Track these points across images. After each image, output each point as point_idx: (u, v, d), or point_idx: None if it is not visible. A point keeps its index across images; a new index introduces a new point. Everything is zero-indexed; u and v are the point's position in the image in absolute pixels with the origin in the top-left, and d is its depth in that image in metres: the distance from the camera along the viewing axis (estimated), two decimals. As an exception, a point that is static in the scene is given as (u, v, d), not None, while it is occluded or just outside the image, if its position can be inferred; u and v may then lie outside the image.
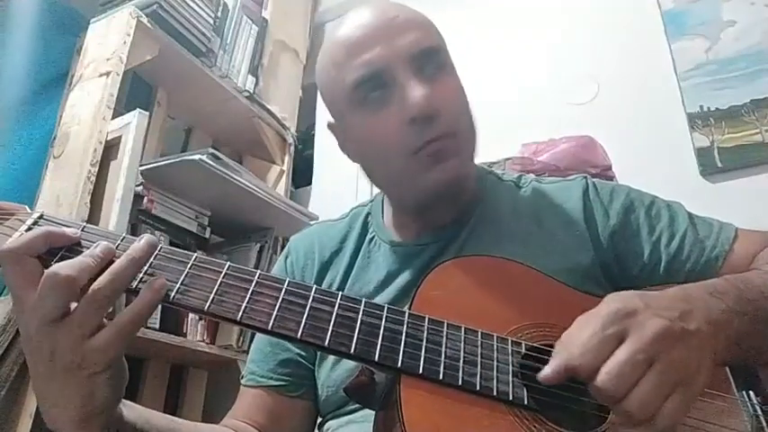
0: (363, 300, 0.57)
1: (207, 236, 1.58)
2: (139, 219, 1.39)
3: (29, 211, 0.60)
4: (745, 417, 0.57)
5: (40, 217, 0.59)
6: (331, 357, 0.76)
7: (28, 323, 0.50)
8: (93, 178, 1.30)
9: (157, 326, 1.39)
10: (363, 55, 0.71)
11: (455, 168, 0.72)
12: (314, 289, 0.56)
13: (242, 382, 0.83)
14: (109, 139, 1.37)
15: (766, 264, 0.69)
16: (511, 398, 0.54)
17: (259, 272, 0.56)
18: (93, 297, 0.50)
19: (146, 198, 1.41)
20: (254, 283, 0.55)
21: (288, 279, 0.56)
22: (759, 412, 0.58)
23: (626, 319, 0.50)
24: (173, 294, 0.54)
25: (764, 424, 0.57)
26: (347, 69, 0.72)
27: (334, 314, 0.55)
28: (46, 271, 0.50)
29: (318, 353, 0.79)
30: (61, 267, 0.50)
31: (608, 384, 0.47)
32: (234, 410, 0.80)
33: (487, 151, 1.02)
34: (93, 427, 0.52)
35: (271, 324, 0.53)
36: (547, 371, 0.51)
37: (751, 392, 0.59)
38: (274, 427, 0.77)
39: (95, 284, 0.50)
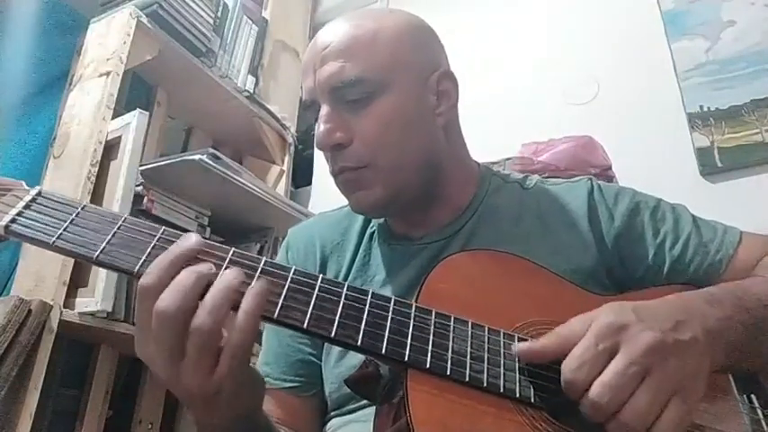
0: (370, 291, 0.56)
1: (207, 236, 1.58)
2: (139, 219, 1.39)
3: (26, 187, 0.59)
4: (746, 420, 0.57)
5: (39, 194, 0.58)
6: (334, 354, 0.76)
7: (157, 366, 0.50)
8: (93, 178, 1.30)
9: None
10: (304, 81, 0.77)
11: (364, 200, 0.74)
12: (320, 279, 0.55)
13: None
14: (109, 139, 1.36)
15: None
16: (517, 395, 0.54)
17: (264, 258, 0.55)
18: (198, 338, 0.48)
19: (146, 198, 1.41)
20: (258, 271, 0.54)
21: (294, 267, 0.55)
22: (760, 416, 0.58)
23: (618, 334, 0.50)
24: None
25: (765, 427, 0.57)
26: (302, 89, 0.78)
27: (341, 305, 0.54)
28: (155, 310, 0.48)
29: (324, 349, 0.79)
30: (167, 303, 0.48)
31: (602, 397, 0.48)
32: None
33: (487, 151, 1.02)
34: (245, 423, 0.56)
35: (276, 313, 0.52)
36: (523, 346, 0.54)
37: (752, 396, 0.59)
38: (296, 424, 0.78)
39: (194, 323, 0.48)
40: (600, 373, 0.49)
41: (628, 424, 0.47)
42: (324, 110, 0.73)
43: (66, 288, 1.20)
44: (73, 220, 0.56)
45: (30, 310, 1.12)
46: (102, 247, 0.54)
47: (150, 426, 1.48)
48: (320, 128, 0.72)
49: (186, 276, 0.49)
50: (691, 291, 0.61)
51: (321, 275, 0.56)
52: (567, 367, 0.51)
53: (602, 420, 0.49)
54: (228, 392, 0.50)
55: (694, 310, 0.55)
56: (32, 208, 0.57)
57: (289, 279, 0.54)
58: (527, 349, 0.55)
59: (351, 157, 0.72)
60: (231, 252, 0.55)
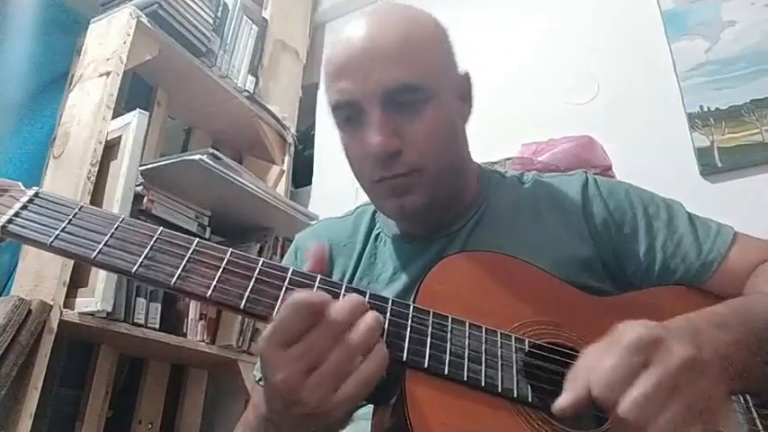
0: (368, 292, 0.56)
1: (207, 236, 1.58)
2: (139, 219, 1.39)
3: (23, 188, 0.59)
4: (742, 420, 0.57)
5: (36, 195, 0.58)
6: None
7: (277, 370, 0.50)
8: (93, 178, 1.30)
9: (157, 326, 1.39)
10: (342, 81, 0.72)
11: (411, 204, 0.73)
12: (318, 279, 0.56)
13: (257, 381, 0.82)
14: (109, 139, 1.37)
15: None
16: (515, 395, 0.54)
17: (262, 260, 0.55)
18: (349, 349, 0.49)
19: (146, 198, 1.41)
20: (256, 272, 0.54)
21: (291, 268, 0.55)
22: (755, 414, 0.58)
23: (650, 347, 0.48)
24: (173, 280, 0.53)
25: (760, 427, 0.57)
26: (330, 89, 0.75)
27: None
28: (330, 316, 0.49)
29: None
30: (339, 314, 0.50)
31: (632, 414, 0.46)
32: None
33: (487, 151, 1.02)
34: None
35: (275, 313, 0.53)
36: (566, 399, 0.49)
37: (747, 396, 0.59)
38: None
39: (354, 338, 0.49)
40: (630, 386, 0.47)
41: None
42: (376, 115, 0.70)
43: (66, 288, 1.21)
44: (71, 220, 0.56)
45: (30, 310, 1.12)
46: (99, 248, 0.54)
47: (150, 426, 1.48)
48: (375, 136, 0.69)
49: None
50: (697, 311, 0.58)
51: (319, 277, 0.56)
52: (597, 383, 0.48)
53: None
54: (336, 419, 0.50)
55: (704, 335, 0.53)
56: (30, 209, 0.57)
57: (287, 280, 0.55)
58: (568, 405, 0.50)
59: (404, 163, 0.71)
60: (229, 253, 0.55)
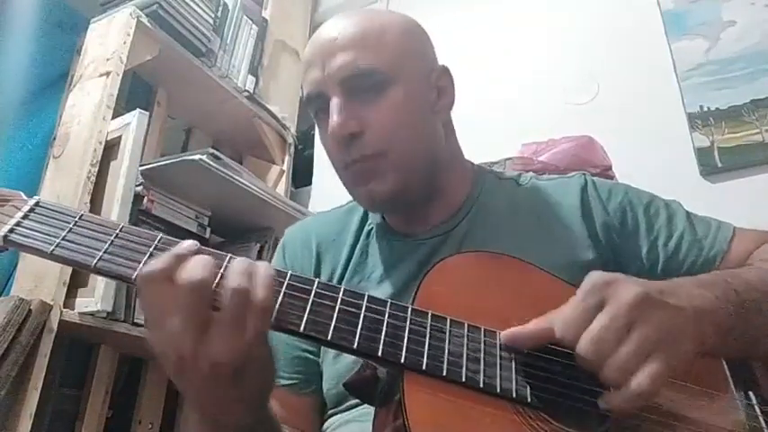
0: (366, 294, 0.57)
1: (207, 236, 1.58)
2: (139, 219, 1.39)
3: (24, 197, 0.60)
4: (744, 416, 0.57)
5: (37, 204, 0.59)
6: (332, 351, 0.76)
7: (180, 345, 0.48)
8: (94, 178, 1.30)
9: (158, 326, 1.39)
10: (309, 74, 0.77)
11: (378, 189, 0.74)
12: (316, 283, 0.56)
13: None
14: (109, 139, 1.36)
15: (759, 260, 0.70)
16: (514, 395, 0.54)
17: None
18: (235, 298, 0.49)
19: (146, 198, 1.41)
20: None
21: (289, 272, 0.56)
22: (757, 412, 0.58)
23: (604, 289, 0.51)
24: None
25: (763, 424, 0.57)
26: (303, 83, 0.79)
27: (337, 308, 0.55)
28: (183, 282, 0.48)
29: (322, 347, 0.79)
30: (195, 272, 0.49)
31: (587, 351, 0.49)
32: None
33: (487, 151, 1.02)
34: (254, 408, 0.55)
35: (273, 317, 0.53)
36: (523, 328, 0.55)
37: (750, 393, 0.59)
38: (294, 422, 0.77)
39: (229, 284, 0.49)
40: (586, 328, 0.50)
41: (610, 377, 0.48)
42: (335, 101, 0.73)
43: (66, 288, 1.21)
44: (71, 228, 0.57)
45: (30, 310, 1.12)
46: (100, 255, 0.55)
47: (150, 426, 1.48)
48: (333, 118, 0.72)
49: (202, 256, 0.51)
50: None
51: (317, 280, 0.56)
52: (557, 326, 0.52)
53: (592, 372, 0.50)
54: (257, 360, 0.50)
55: (682, 288, 0.55)
56: (30, 218, 0.58)
57: (285, 285, 0.55)
58: (510, 332, 0.56)
59: (366, 146, 0.73)
60: (227, 258, 0.55)
